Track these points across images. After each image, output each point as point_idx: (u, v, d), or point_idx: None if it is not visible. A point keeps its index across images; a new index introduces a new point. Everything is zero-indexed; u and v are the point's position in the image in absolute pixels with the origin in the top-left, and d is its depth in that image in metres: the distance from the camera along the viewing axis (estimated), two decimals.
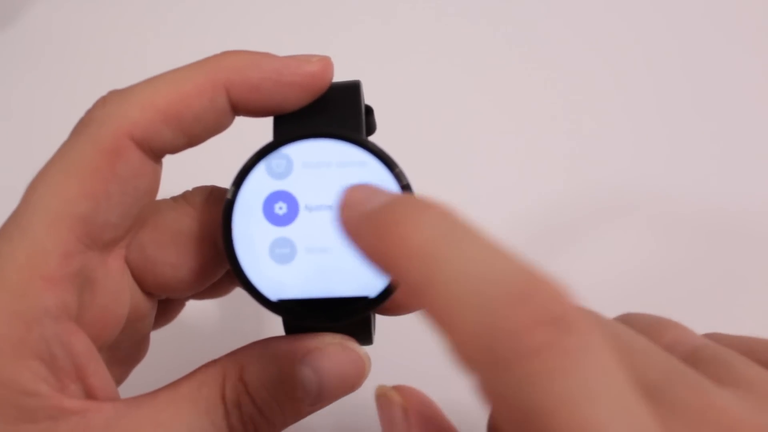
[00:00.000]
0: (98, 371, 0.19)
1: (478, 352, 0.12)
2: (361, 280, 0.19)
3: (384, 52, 0.41)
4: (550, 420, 0.12)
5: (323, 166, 0.20)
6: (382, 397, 0.18)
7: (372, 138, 0.22)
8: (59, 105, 0.39)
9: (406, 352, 0.33)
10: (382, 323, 0.23)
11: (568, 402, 0.12)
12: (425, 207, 0.14)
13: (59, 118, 0.37)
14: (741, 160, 0.38)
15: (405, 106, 0.38)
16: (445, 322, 0.13)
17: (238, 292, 0.26)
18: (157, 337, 0.24)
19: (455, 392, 0.33)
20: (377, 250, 0.14)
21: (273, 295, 0.20)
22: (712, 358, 0.16)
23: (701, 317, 0.33)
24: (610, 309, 0.34)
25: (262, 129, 0.21)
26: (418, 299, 0.13)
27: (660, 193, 0.37)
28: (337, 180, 0.19)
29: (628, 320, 0.18)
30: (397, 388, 0.19)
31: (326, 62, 0.20)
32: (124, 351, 0.22)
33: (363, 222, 0.15)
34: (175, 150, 0.20)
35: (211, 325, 0.34)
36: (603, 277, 0.35)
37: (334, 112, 0.20)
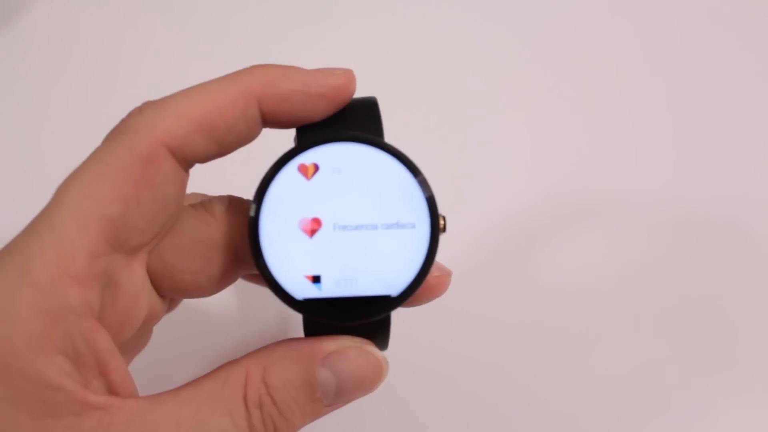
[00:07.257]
0: (119, 368, 0.19)
1: None
2: (384, 279, 0.20)
3: (384, 45, 0.41)
4: None
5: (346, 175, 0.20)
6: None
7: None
8: (59, 104, 0.39)
9: (408, 350, 0.34)
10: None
11: None
12: None
13: (58, 118, 0.38)
14: (745, 166, 0.38)
15: (405, 100, 0.38)
16: None
17: (242, 289, 0.27)
18: (161, 331, 0.24)
19: (456, 389, 0.33)
20: None
21: (298, 294, 0.20)
22: None
23: (695, 321, 0.35)
24: (604, 306, 0.35)
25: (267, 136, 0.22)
26: None
27: (661, 197, 0.37)
28: (364, 191, 0.20)
29: None
30: None
31: (350, 75, 0.21)
32: (128, 342, 0.22)
33: None
34: (206, 159, 0.20)
35: (216, 322, 0.34)
36: (598, 275, 0.36)
37: (355, 124, 0.21)
